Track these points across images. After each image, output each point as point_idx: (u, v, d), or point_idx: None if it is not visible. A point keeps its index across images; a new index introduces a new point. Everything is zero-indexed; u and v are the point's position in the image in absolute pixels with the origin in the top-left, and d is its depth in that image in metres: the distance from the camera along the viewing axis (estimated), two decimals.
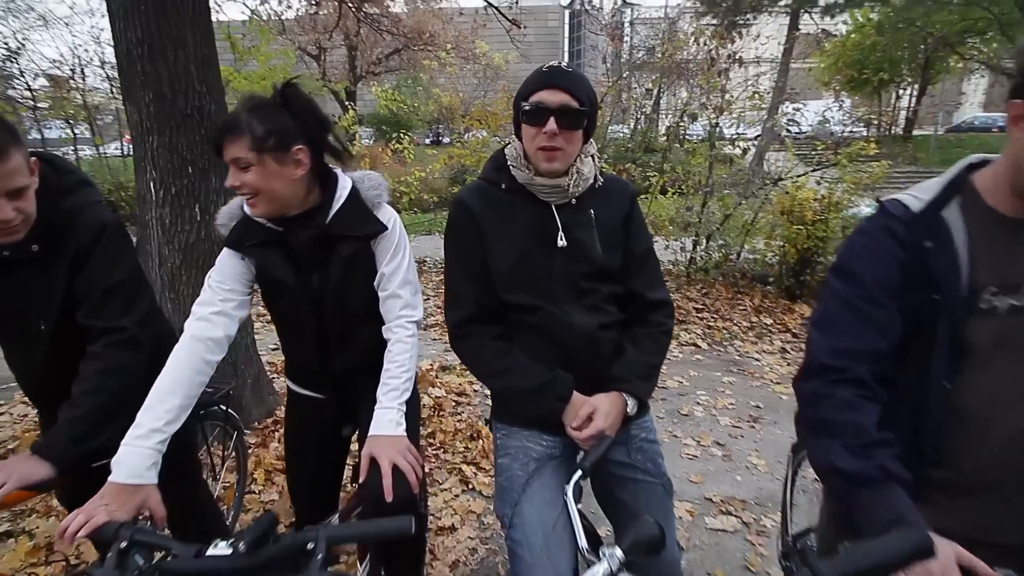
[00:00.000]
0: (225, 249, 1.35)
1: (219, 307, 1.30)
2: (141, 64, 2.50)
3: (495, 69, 20.66)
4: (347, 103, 10.46)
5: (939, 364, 0.89)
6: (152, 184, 2.67)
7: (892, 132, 24.21)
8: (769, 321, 5.23)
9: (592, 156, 1.30)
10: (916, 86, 23.68)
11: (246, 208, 1.31)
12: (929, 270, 0.89)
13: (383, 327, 1.41)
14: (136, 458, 1.08)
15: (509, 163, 1.28)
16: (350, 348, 1.44)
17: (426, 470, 2.79)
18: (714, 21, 18.53)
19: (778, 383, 4.01)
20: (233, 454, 2.18)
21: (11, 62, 10.46)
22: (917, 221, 0.91)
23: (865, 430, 0.87)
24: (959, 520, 0.89)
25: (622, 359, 1.27)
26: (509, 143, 1.33)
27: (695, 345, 4.73)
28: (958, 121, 28.17)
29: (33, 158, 1.22)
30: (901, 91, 24.59)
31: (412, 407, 1.42)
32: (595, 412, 1.19)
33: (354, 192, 1.36)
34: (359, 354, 1.44)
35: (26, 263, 1.24)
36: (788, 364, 4.36)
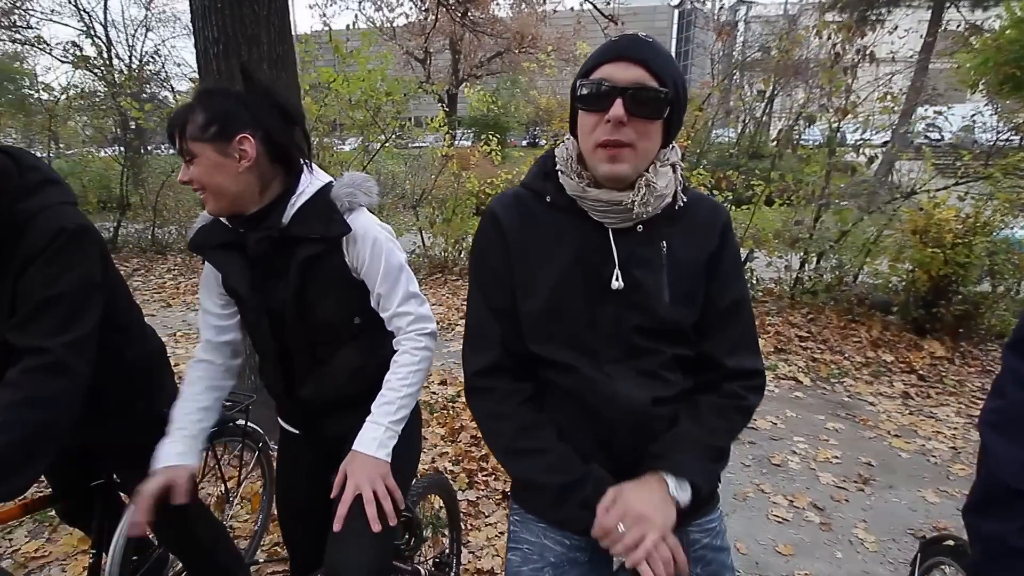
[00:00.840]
0: None
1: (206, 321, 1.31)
2: (216, 63, 2.51)
3: None
4: (442, 105, 10.60)
5: None
6: None
7: None
8: (890, 358, 4.50)
9: (673, 166, 0.97)
10: None
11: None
12: None
13: (393, 340, 1.25)
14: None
15: (558, 167, 0.99)
16: (321, 375, 1.25)
17: (472, 498, 2.58)
18: (841, 16, 16.82)
19: (897, 436, 3.38)
20: (258, 471, 2.08)
21: (155, 64, 11.77)
22: None
23: None
24: None
25: (669, 434, 0.95)
26: (562, 142, 1.03)
27: (795, 380, 4.15)
28: None
29: None
30: None
31: (410, 436, 1.25)
32: (625, 513, 0.85)
33: (323, 190, 1.19)
34: (333, 383, 1.26)
35: None
36: (911, 413, 3.69)
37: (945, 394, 3.97)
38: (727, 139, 8.69)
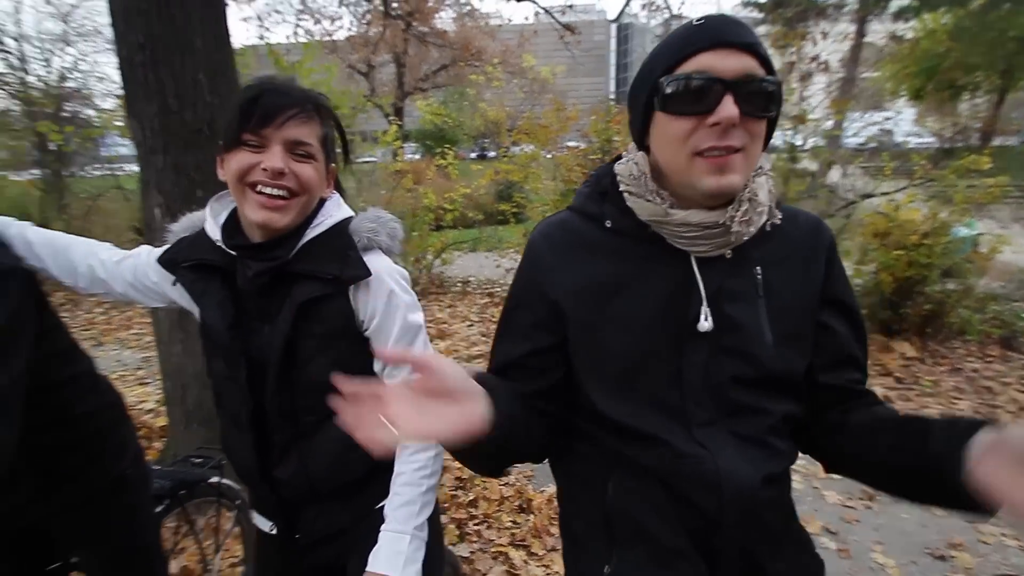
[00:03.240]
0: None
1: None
2: (144, 72, 2.16)
3: (541, 83, 20.38)
4: (391, 118, 10.31)
5: None
6: (158, 210, 2.32)
7: (968, 143, 22.46)
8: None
9: (768, 175, 0.79)
10: (995, 94, 21.91)
11: (210, 222, 0.98)
12: None
13: None
14: None
15: (623, 188, 0.79)
16: (306, 450, 0.99)
17: (466, 554, 2.30)
18: (772, 29, 17.66)
19: None
20: (238, 531, 1.86)
21: (75, 81, 10.87)
22: None
23: None
24: None
25: (940, 423, 0.70)
26: (625, 155, 0.83)
27: None
28: None
29: None
30: (978, 100, 22.82)
31: (435, 532, 1.01)
32: None
33: (343, 223, 0.98)
34: (321, 463, 0.99)
35: None
36: None
37: (924, 396, 3.97)
38: None
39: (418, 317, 1.00)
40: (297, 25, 18.33)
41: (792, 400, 0.79)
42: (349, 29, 20.15)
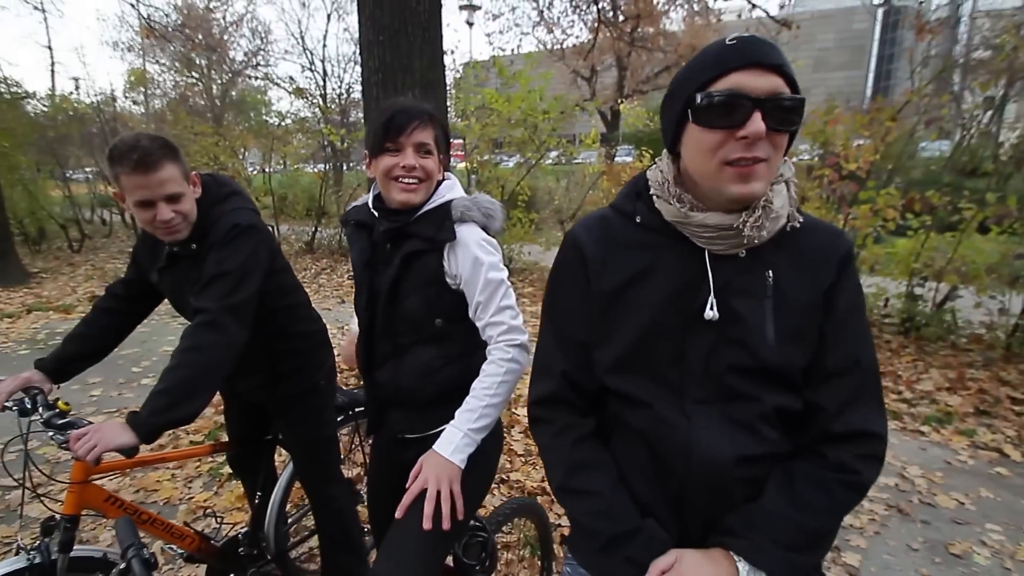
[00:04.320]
0: None
1: None
2: (376, 90, 2.80)
3: None
4: (604, 121, 10.65)
5: None
6: None
7: None
8: None
9: (788, 183, 0.87)
10: None
11: (370, 196, 1.37)
12: None
13: (484, 350, 1.30)
14: None
15: (652, 191, 0.91)
16: (397, 364, 1.34)
17: None
18: None
19: None
20: None
21: (357, 93, 13.59)
22: None
23: None
24: None
25: (752, 505, 0.83)
26: (658, 160, 0.95)
27: (999, 451, 3.34)
28: None
29: (194, 171, 1.46)
30: None
31: (484, 460, 1.28)
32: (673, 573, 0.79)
33: (450, 202, 1.30)
34: (407, 377, 1.33)
35: (187, 258, 1.48)
36: None
37: None
38: (939, 153, 7.44)
39: (499, 274, 1.26)
40: (529, 34, 19.72)
41: (787, 393, 0.84)
42: (577, 37, 21.10)
